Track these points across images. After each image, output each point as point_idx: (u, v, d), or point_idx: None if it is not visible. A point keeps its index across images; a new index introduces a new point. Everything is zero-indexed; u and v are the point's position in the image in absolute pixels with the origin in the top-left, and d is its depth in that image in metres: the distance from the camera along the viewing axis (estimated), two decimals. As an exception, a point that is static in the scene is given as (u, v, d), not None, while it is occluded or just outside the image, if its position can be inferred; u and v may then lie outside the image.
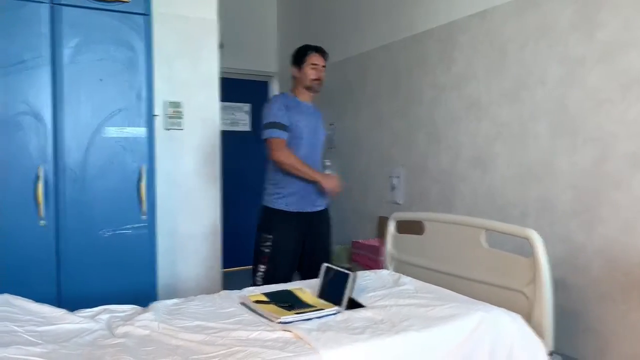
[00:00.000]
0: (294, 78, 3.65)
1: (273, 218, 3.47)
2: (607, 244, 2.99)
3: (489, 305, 2.46)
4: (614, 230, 2.95)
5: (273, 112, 3.42)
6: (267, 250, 3.40)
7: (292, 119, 3.45)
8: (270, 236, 3.41)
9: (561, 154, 3.22)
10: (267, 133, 3.38)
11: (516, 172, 3.51)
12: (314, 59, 3.61)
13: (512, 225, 2.73)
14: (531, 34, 3.40)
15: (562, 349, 3.10)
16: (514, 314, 2.41)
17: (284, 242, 3.43)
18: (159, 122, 3.99)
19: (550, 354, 2.45)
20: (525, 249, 2.62)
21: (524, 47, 3.46)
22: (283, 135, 3.37)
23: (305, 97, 3.63)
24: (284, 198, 3.47)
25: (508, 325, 2.35)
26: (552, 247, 3.16)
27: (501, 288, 2.68)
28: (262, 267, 3.40)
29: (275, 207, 3.47)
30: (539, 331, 2.43)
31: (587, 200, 3.09)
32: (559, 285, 3.04)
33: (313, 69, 3.60)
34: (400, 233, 3.42)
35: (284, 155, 3.35)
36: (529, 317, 2.49)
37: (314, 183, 3.43)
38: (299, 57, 3.64)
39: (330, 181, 3.44)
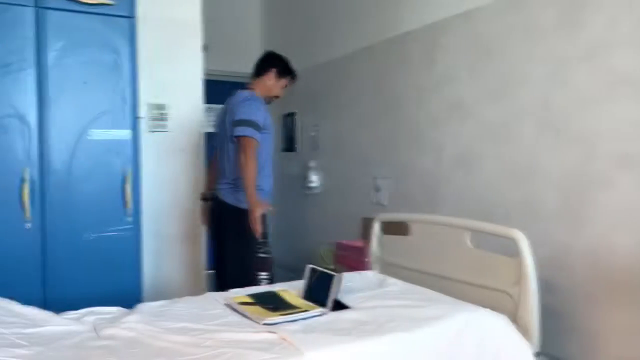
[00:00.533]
0: (263, 81, 3.67)
1: (264, 221, 3.41)
2: (592, 244, 3.01)
3: (475, 306, 2.47)
4: (600, 230, 2.97)
5: (255, 111, 3.41)
6: (265, 256, 3.37)
7: (267, 120, 3.51)
8: (266, 240, 3.39)
9: (546, 154, 3.24)
10: (247, 131, 3.33)
11: (501, 172, 3.53)
12: (290, 82, 3.77)
13: (498, 226, 2.74)
14: (515, 34, 3.42)
15: (548, 350, 3.11)
16: (499, 315, 2.42)
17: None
18: (143, 125, 3.98)
19: (537, 354, 2.46)
20: (511, 250, 2.64)
21: (508, 47, 3.47)
22: (258, 137, 3.36)
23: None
24: (262, 198, 3.45)
25: (494, 326, 2.36)
26: (538, 247, 3.17)
27: (487, 289, 2.69)
28: (263, 274, 3.36)
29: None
30: (524, 332, 2.44)
31: (573, 200, 3.10)
32: (544, 285, 3.05)
33: (283, 89, 3.76)
34: (386, 234, 3.43)
35: (252, 162, 3.31)
36: (514, 318, 2.50)
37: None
38: (284, 71, 3.70)
39: (259, 210, 3.28)
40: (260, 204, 3.24)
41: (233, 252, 3.44)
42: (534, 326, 2.48)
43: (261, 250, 3.36)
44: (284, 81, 3.72)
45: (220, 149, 3.68)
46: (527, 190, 3.36)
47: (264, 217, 3.36)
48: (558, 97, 3.18)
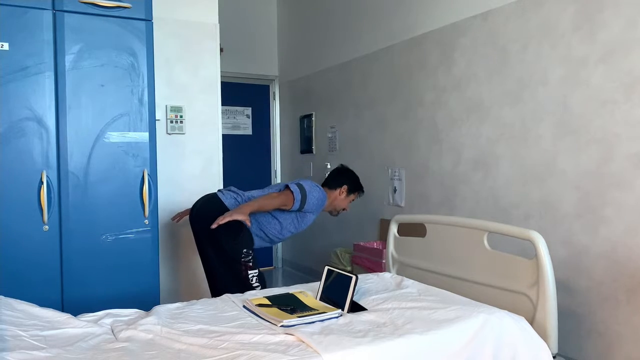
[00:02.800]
0: (334, 194, 3.75)
1: (247, 233, 3.43)
2: (611, 246, 2.99)
3: (492, 307, 2.46)
4: (618, 231, 2.95)
5: (314, 195, 3.46)
6: (250, 264, 3.36)
7: (312, 213, 3.57)
8: (251, 252, 3.38)
9: (564, 155, 3.22)
10: (296, 192, 3.38)
11: (518, 173, 3.51)
12: (357, 197, 3.88)
13: (515, 227, 2.72)
14: (533, 34, 3.41)
15: (566, 352, 3.10)
16: (517, 316, 2.40)
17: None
18: (160, 127, 4.00)
19: (554, 356, 2.44)
20: (528, 251, 2.62)
21: (525, 48, 3.46)
22: (296, 204, 3.38)
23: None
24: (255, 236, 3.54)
25: (511, 328, 2.34)
26: (556, 248, 3.16)
27: (504, 290, 2.68)
28: (252, 272, 3.36)
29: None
30: (542, 333, 2.43)
31: (591, 201, 3.08)
32: (562, 287, 3.04)
33: (350, 203, 3.85)
34: (402, 235, 3.42)
35: (278, 202, 3.35)
36: (532, 319, 2.48)
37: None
38: (355, 187, 3.81)
39: (239, 216, 3.21)
40: (243, 215, 3.19)
41: (218, 258, 3.44)
42: (552, 328, 2.45)
43: (244, 259, 3.35)
44: (352, 196, 3.83)
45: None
46: (544, 191, 3.34)
47: (247, 231, 3.40)
48: (576, 98, 3.16)
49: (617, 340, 2.97)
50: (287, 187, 3.43)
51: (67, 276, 3.08)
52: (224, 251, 3.35)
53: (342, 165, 3.94)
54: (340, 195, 3.75)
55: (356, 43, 5.21)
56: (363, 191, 3.89)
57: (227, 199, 3.47)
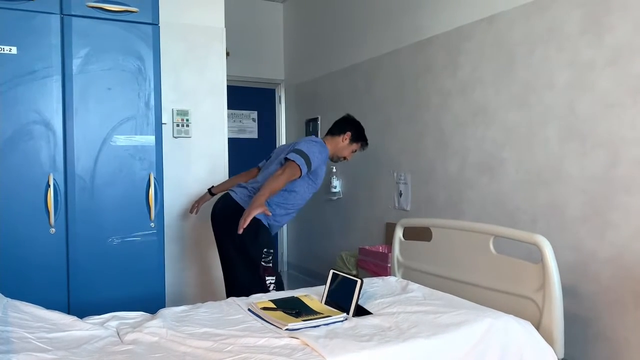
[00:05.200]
0: (337, 140, 3.77)
1: (267, 232, 3.46)
2: (618, 250, 2.98)
3: (498, 311, 2.45)
4: (625, 236, 2.94)
5: (316, 153, 3.47)
6: (269, 265, 3.38)
7: (321, 170, 3.59)
8: (271, 251, 3.41)
9: (570, 159, 3.21)
10: (298, 160, 3.36)
11: (525, 177, 3.50)
12: (360, 149, 3.90)
13: (521, 231, 2.72)
14: (539, 38, 3.40)
15: (572, 357, 3.08)
16: (523, 321, 2.40)
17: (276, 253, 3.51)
18: (167, 130, 4.02)
19: (560, 361, 2.44)
20: (534, 255, 2.62)
21: (532, 52, 3.45)
22: (304, 170, 3.38)
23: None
24: (280, 219, 3.57)
25: (518, 332, 2.34)
26: (562, 253, 3.15)
27: (510, 294, 2.67)
28: (270, 278, 3.37)
29: (264, 223, 3.46)
30: (548, 338, 2.42)
31: (597, 205, 3.07)
32: (568, 291, 3.03)
33: (352, 153, 3.87)
34: (408, 239, 3.42)
35: (284, 179, 3.30)
36: (538, 324, 2.48)
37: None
38: (358, 136, 3.82)
39: (257, 210, 3.13)
40: (261, 206, 3.13)
41: (236, 256, 3.47)
42: (558, 332, 2.45)
43: (264, 260, 3.36)
44: (355, 146, 3.84)
45: (263, 169, 3.75)
46: (551, 195, 3.33)
47: (266, 230, 3.42)
48: (582, 101, 3.15)
49: (625, 346, 2.96)
50: (286, 159, 3.41)
51: (74, 279, 3.09)
52: (246, 253, 3.39)
53: (348, 114, 3.96)
54: (343, 142, 3.77)
55: (362, 47, 5.21)
56: (367, 143, 3.90)
57: (241, 197, 3.50)
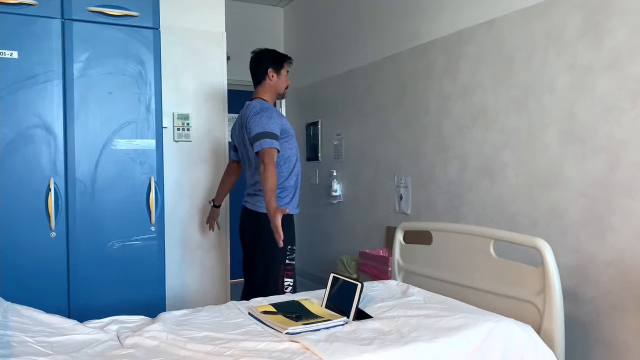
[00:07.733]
0: (266, 85, 3.61)
1: (290, 226, 3.42)
2: (618, 254, 2.97)
3: (499, 315, 2.45)
4: (626, 239, 2.93)
5: (268, 122, 3.34)
6: (293, 262, 3.39)
7: (284, 124, 3.47)
8: (295, 247, 3.41)
9: (571, 163, 3.21)
10: (264, 143, 3.26)
11: (525, 181, 3.50)
12: (289, 67, 3.67)
13: (521, 235, 2.71)
14: (538, 42, 3.40)
15: (572, 360, 3.08)
16: (524, 325, 2.40)
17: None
18: (167, 134, 4.02)
19: (561, 364, 2.44)
20: (535, 259, 2.62)
21: (531, 56, 3.45)
22: (277, 145, 3.30)
23: (273, 102, 3.62)
24: (293, 201, 3.52)
25: (518, 336, 2.34)
26: (562, 256, 3.15)
27: (510, 298, 2.67)
28: (289, 280, 3.37)
29: (290, 213, 3.43)
30: (549, 342, 2.42)
31: (598, 209, 3.07)
32: (569, 295, 3.03)
33: (287, 77, 3.67)
34: (408, 243, 3.42)
35: (271, 169, 3.23)
36: (539, 328, 2.48)
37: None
38: (278, 62, 3.61)
39: (279, 217, 3.08)
40: (279, 210, 3.08)
41: (259, 259, 3.47)
42: (559, 336, 2.45)
43: (289, 257, 3.37)
44: (284, 71, 3.62)
45: (242, 162, 3.71)
46: (551, 199, 3.33)
47: (289, 223, 3.39)
48: (582, 105, 3.15)
49: (625, 350, 2.95)
50: (257, 153, 3.31)
51: (74, 283, 3.09)
52: (271, 253, 3.38)
53: (253, 53, 3.71)
54: (272, 80, 3.59)
55: (362, 51, 5.22)
56: (290, 58, 3.67)
57: (254, 204, 3.50)
